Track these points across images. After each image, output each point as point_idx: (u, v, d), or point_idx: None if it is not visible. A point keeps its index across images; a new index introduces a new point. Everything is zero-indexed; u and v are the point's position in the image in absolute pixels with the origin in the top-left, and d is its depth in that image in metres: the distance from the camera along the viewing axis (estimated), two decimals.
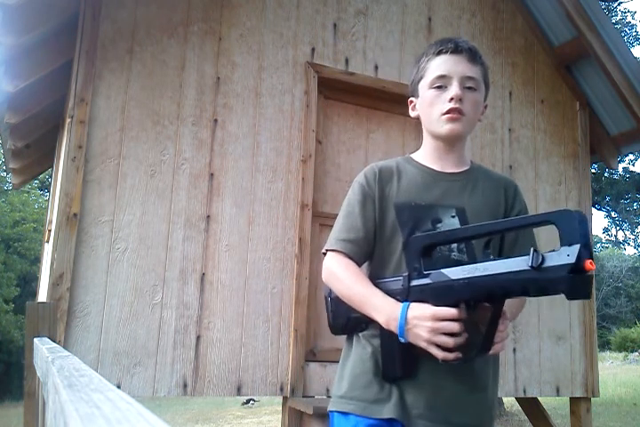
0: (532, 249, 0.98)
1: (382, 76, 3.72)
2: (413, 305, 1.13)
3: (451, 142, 1.32)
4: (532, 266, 0.96)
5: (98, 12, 3.08)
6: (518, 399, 4.50)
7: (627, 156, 14.66)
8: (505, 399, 7.97)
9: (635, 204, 14.88)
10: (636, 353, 17.22)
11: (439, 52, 1.30)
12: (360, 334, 1.29)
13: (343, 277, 1.26)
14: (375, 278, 1.28)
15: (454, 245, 1.25)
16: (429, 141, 1.36)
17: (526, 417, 4.74)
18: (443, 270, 1.12)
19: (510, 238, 1.31)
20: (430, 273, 1.14)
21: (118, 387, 2.72)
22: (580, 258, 0.90)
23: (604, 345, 19.90)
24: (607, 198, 13.80)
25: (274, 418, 8.09)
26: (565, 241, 0.94)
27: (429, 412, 1.18)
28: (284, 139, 3.37)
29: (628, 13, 17.09)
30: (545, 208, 4.10)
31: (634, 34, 15.22)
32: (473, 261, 1.13)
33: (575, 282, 0.91)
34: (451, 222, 1.26)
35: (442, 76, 1.28)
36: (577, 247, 0.91)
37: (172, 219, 3.07)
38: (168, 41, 3.22)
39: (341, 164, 3.63)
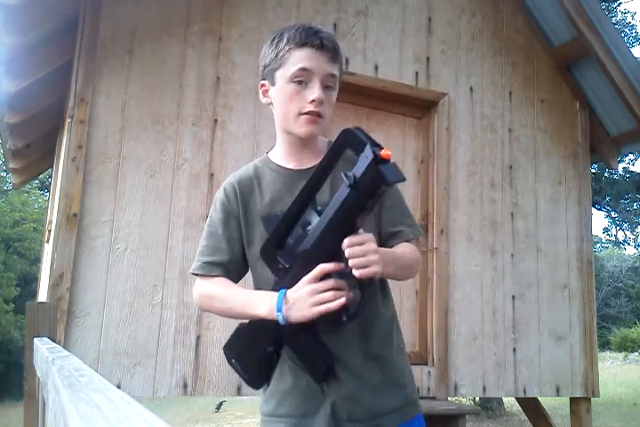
0: (342, 174, 1.03)
1: (382, 76, 3.72)
2: (290, 289, 1.15)
3: (305, 141, 1.30)
4: (350, 185, 1.02)
5: (98, 11, 3.08)
6: (518, 399, 4.51)
7: (627, 156, 14.67)
8: (505, 399, 7.97)
9: (635, 204, 14.88)
10: (636, 353, 17.23)
11: (303, 45, 1.23)
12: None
13: (215, 291, 1.27)
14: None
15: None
16: (283, 136, 1.32)
17: (526, 417, 4.74)
18: (296, 252, 1.15)
19: (384, 218, 1.31)
20: (291, 265, 1.16)
21: (118, 387, 2.72)
22: (374, 153, 1.00)
23: (604, 345, 19.89)
24: (607, 198, 13.80)
25: None
26: (358, 151, 1.03)
27: (358, 413, 1.20)
28: None
29: (628, 14, 17.11)
30: (545, 208, 4.10)
31: (634, 34, 15.22)
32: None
33: (385, 170, 1.00)
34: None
35: (304, 69, 1.23)
36: (367, 147, 1.01)
37: (172, 219, 3.07)
38: (168, 41, 3.22)
39: None
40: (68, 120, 2.99)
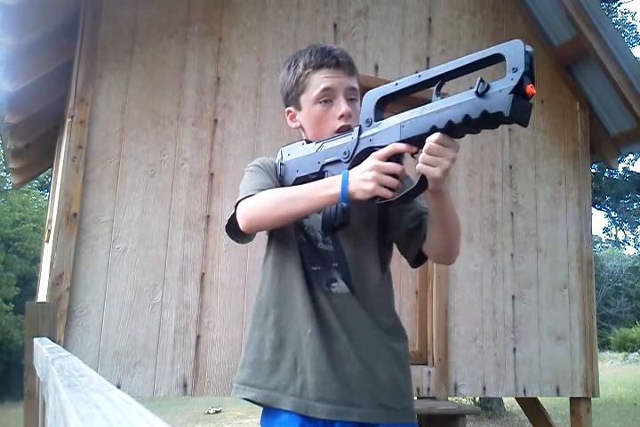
0: (479, 78, 0.97)
1: (382, 77, 3.72)
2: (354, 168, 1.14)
3: None
4: (477, 92, 0.96)
5: (98, 12, 3.08)
6: (518, 399, 4.51)
7: (627, 156, 14.66)
8: (505, 399, 7.97)
9: (635, 204, 14.88)
10: (636, 353, 17.22)
11: (320, 66, 1.29)
12: (263, 316, 1.29)
13: (270, 191, 1.22)
14: (279, 267, 1.29)
15: (320, 237, 1.28)
16: None
17: (526, 417, 4.74)
18: (392, 117, 1.11)
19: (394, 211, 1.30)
20: (380, 122, 1.14)
21: (118, 387, 2.72)
22: (521, 81, 0.92)
23: (604, 345, 19.89)
24: (607, 198, 13.81)
25: None
26: (510, 67, 0.94)
27: (330, 394, 1.20)
28: (285, 139, 3.37)
29: (628, 14, 17.10)
30: (545, 208, 4.10)
31: (634, 34, 15.22)
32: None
33: (515, 103, 0.92)
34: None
35: (327, 89, 1.29)
36: (520, 72, 0.92)
37: (172, 219, 3.07)
38: (168, 41, 3.22)
39: None
40: (68, 120, 2.99)
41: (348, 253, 1.28)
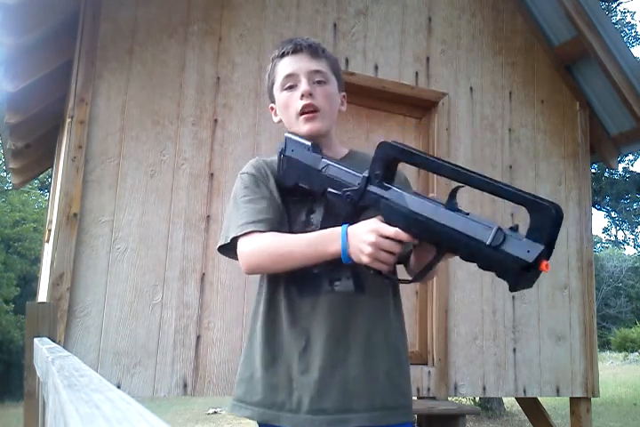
0: (496, 226, 0.94)
1: (382, 76, 3.72)
2: (353, 225, 1.13)
3: (315, 140, 1.32)
4: (489, 244, 0.93)
5: (98, 11, 3.08)
6: (518, 399, 4.50)
7: (627, 156, 14.67)
8: (505, 399, 7.97)
9: (635, 204, 14.88)
10: (636, 353, 17.23)
11: (282, 55, 1.34)
12: (257, 328, 1.27)
13: (268, 239, 1.20)
14: (274, 278, 1.28)
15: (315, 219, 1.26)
16: None
17: (526, 417, 4.74)
18: (406, 194, 1.08)
19: None
20: (391, 188, 1.10)
21: (118, 387, 2.72)
22: (538, 259, 0.89)
23: (604, 345, 19.89)
24: (607, 198, 13.80)
25: None
26: (532, 235, 0.91)
27: (329, 404, 1.18)
28: None
29: (628, 13, 17.10)
30: None
31: (634, 34, 15.22)
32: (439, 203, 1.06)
33: (523, 277, 0.91)
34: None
35: (289, 75, 1.31)
36: (540, 248, 0.90)
37: (172, 219, 3.07)
38: (168, 41, 3.22)
39: None
40: (68, 120, 2.99)
41: None
